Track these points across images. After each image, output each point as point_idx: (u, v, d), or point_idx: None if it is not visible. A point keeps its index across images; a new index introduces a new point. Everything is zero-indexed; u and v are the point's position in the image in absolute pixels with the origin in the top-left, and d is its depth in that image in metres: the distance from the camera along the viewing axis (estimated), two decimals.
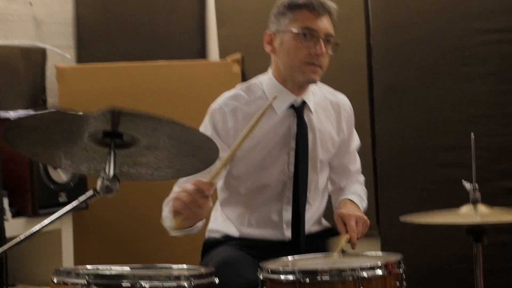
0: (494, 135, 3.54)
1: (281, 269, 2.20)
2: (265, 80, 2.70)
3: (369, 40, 3.86)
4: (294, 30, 2.58)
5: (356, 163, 2.91)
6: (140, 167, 2.12)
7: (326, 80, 2.78)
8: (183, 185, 2.32)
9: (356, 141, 2.90)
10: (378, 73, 3.80)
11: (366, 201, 2.88)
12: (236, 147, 2.25)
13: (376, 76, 3.80)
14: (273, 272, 2.21)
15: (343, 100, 2.83)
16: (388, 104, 3.75)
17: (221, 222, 2.77)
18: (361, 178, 2.94)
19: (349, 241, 2.56)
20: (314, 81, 2.63)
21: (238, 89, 2.72)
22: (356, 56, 3.88)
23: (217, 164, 2.21)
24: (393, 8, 3.74)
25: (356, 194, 2.81)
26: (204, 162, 2.13)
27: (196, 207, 2.22)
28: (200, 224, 2.42)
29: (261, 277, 2.22)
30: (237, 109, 2.64)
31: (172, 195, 2.49)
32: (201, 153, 2.07)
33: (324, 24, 2.60)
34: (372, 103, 3.82)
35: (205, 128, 2.64)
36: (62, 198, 3.52)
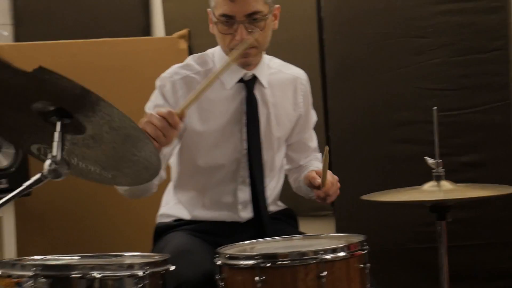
0: (450, 109, 3.52)
1: (239, 254, 2.12)
2: (217, 53, 2.62)
3: (320, 13, 3.77)
4: (214, 19, 2.49)
5: (314, 140, 2.85)
6: (89, 162, 2.01)
7: (275, 55, 2.73)
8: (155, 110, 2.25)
9: (313, 117, 2.82)
10: (331, 47, 3.73)
11: None
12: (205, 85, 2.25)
13: (328, 50, 3.74)
14: (231, 257, 2.11)
15: (298, 73, 2.76)
16: (341, 79, 3.69)
17: (173, 205, 2.69)
18: (319, 155, 2.86)
19: (324, 193, 2.48)
20: (248, 64, 2.54)
21: (190, 59, 2.64)
22: (307, 29, 3.80)
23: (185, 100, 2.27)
24: None
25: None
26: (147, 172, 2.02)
27: (164, 132, 2.17)
28: (166, 150, 2.43)
29: (219, 262, 2.12)
30: (188, 77, 2.56)
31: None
32: (140, 152, 1.95)
33: (242, 5, 2.44)
34: (324, 78, 3.75)
35: (155, 97, 2.57)
36: (3, 184, 3.36)
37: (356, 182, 3.58)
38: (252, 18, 2.45)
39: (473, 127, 3.55)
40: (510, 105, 3.55)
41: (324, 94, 3.75)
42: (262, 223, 2.57)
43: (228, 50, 2.50)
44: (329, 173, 2.52)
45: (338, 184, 2.55)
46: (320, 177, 2.48)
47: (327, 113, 3.74)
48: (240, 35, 2.43)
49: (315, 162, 2.79)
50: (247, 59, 2.51)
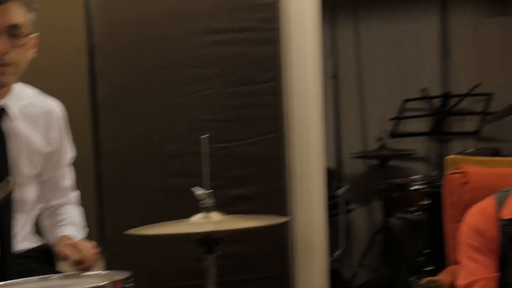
0: (222, 141, 3.48)
1: None
2: None
3: (90, 41, 3.60)
4: None
5: (69, 179, 2.64)
6: None
7: (40, 84, 2.53)
8: None
9: (70, 153, 2.63)
10: (102, 75, 3.56)
11: (84, 225, 2.65)
12: None
13: (99, 79, 3.57)
14: None
15: (54, 106, 2.54)
16: (113, 108, 3.55)
17: None
18: (75, 195, 2.68)
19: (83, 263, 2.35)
20: (3, 85, 2.32)
21: None
22: (76, 57, 3.62)
23: None
24: (116, 6, 3.53)
25: (73, 225, 2.57)
26: None
27: None
28: None
29: None
30: None
31: None
32: None
33: (5, 15, 2.24)
34: (94, 108, 3.58)
35: None
36: None
37: (128, 217, 3.44)
38: (14, 32, 2.25)
39: (245, 159, 3.53)
40: (281, 137, 3.58)
41: (95, 125, 3.57)
42: (6, 264, 2.31)
43: None
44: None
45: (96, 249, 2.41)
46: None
47: (99, 145, 3.56)
48: (1, 44, 2.22)
49: (70, 210, 2.63)
50: (3, 78, 2.28)
